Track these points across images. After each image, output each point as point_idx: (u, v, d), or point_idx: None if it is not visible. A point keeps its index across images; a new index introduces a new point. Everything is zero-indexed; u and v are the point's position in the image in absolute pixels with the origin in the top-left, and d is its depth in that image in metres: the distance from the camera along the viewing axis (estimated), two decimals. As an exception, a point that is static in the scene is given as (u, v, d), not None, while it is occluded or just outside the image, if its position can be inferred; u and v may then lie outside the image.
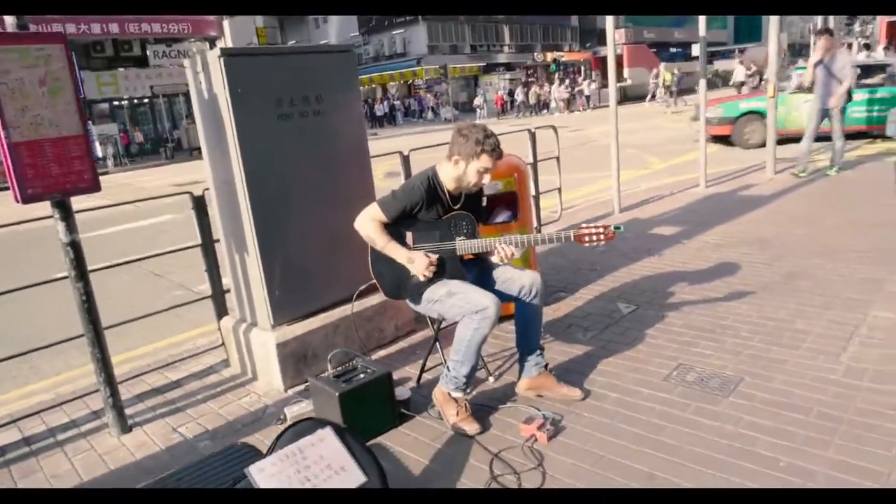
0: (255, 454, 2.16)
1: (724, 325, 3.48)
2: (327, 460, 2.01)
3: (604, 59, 42.72)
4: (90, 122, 23.60)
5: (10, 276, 5.99)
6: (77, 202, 2.75)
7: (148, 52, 26.25)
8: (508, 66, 41.15)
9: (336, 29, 41.50)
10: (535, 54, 42.38)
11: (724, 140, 11.36)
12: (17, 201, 2.59)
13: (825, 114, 7.48)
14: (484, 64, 39.95)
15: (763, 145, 10.02)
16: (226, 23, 29.73)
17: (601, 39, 42.18)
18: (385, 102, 34.18)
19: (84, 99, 23.73)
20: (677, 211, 6.49)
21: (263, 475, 1.88)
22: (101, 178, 2.77)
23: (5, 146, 2.48)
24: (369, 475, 2.03)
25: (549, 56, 41.79)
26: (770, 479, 2.15)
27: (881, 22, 24.28)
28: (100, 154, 22.13)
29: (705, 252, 4.93)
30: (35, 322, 4.81)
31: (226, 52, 2.89)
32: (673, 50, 45.84)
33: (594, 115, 26.29)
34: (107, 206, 3.70)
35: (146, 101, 27.13)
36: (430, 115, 34.37)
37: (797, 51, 40.67)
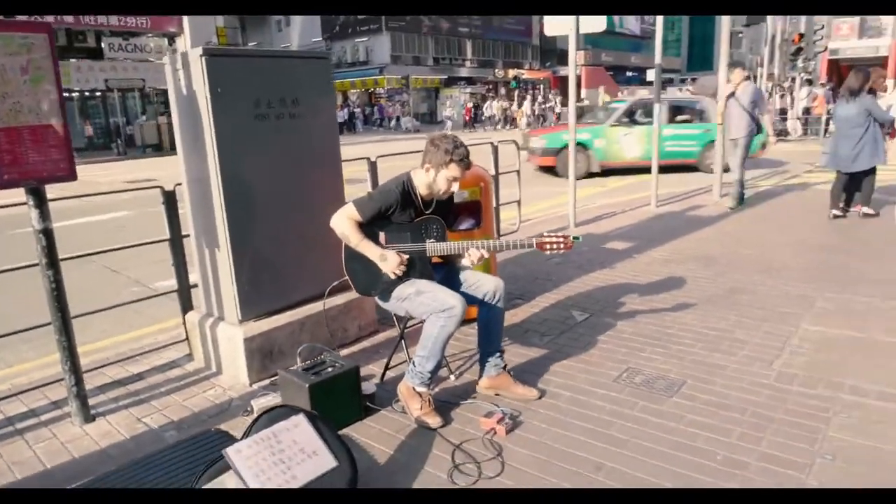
0: (229, 439, 2.24)
1: (670, 333, 3.72)
2: (300, 444, 2.12)
3: (563, 79, 43.84)
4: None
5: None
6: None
7: (103, 45, 25.54)
8: (470, 80, 41.66)
9: (298, 33, 41.25)
10: (496, 70, 43.05)
11: (550, 171, 11.70)
12: (-8, 187, 2.61)
13: (734, 146, 7.57)
14: (446, 77, 40.33)
15: (587, 176, 11.03)
16: (185, 20, 29.31)
17: (561, 59, 43.25)
18: (345, 109, 34.14)
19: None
20: (629, 227, 6.80)
21: (240, 456, 1.98)
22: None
23: (-16, 131, 2.50)
24: (340, 460, 2.15)
25: (510, 73, 42.56)
26: (708, 469, 2.36)
27: (822, 59, 25.73)
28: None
29: (654, 266, 5.21)
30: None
31: (208, 52, 2.97)
32: (629, 74, 47.34)
33: (552, 133, 26.81)
34: (66, 198, 3.64)
35: (98, 94, 26.35)
36: (392, 123, 34.49)
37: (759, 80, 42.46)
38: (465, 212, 3.93)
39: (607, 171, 11.61)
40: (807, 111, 18.18)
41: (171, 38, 28.71)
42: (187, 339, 3.70)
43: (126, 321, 4.43)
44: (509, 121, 32.44)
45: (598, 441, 2.59)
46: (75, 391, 2.93)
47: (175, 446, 2.24)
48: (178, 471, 2.04)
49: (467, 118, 32.77)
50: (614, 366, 3.31)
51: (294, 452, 2.09)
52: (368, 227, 2.81)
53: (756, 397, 2.91)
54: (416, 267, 2.82)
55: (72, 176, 2.78)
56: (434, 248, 2.81)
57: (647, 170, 8.17)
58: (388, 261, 2.73)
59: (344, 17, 38.16)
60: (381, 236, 2.83)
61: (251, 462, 1.98)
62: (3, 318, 3.71)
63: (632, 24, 51.44)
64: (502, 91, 40.82)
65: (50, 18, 22.65)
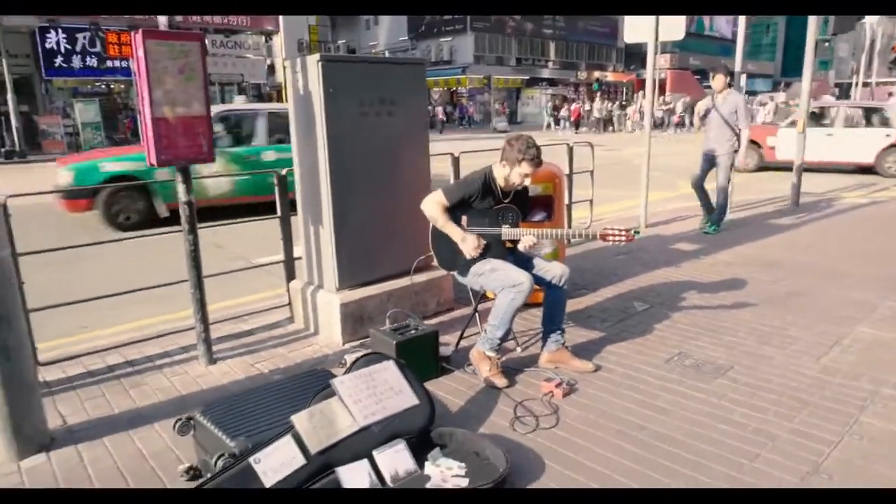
0: (333, 376, 2.73)
1: (725, 326, 3.98)
2: (390, 383, 2.59)
3: (644, 82, 42.86)
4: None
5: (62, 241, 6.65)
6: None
7: (207, 41, 27.29)
8: (552, 82, 41.65)
9: (386, 32, 42.49)
10: (579, 72, 42.81)
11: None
12: (152, 164, 3.23)
13: (711, 162, 6.73)
14: (527, 77, 40.51)
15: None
16: (280, 19, 30.92)
17: (645, 62, 42.42)
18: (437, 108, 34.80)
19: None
20: (698, 231, 6.96)
21: (343, 387, 2.47)
22: None
23: (149, 119, 3.12)
24: (421, 400, 2.60)
25: (594, 75, 42.20)
26: (739, 437, 2.67)
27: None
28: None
29: (718, 267, 5.41)
30: (112, 277, 5.51)
31: (324, 58, 3.50)
32: (720, 78, 45.86)
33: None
34: (203, 176, 4.32)
35: (201, 87, 28.16)
36: (466, 121, 34.94)
37: (845, 90, 40.36)
38: (538, 205, 4.32)
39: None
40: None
41: (268, 36, 30.45)
42: (290, 303, 4.28)
43: (230, 290, 5.07)
44: (608, 124, 32.00)
45: (643, 408, 2.94)
46: (203, 336, 3.54)
47: (290, 378, 2.77)
48: (294, 396, 2.54)
49: (574, 118, 32.42)
50: (667, 350, 3.62)
51: (385, 389, 2.56)
52: (453, 212, 3.26)
53: (797, 384, 3.16)
54: (492, 248, 3.25)
55: (210, 158, 3.38)
56: (508, 232, 3.23)
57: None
58: (468, 242, 3.18)
59: (430, 17, 38.98)
60: (464, 220, 3.27)
61: (351, 392, 2.46)
62: (115, 283, 4.40)
63: (722, 26, 49.81)
64: (584, 93, 40.51)
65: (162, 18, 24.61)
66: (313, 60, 3.54)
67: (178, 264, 3.60)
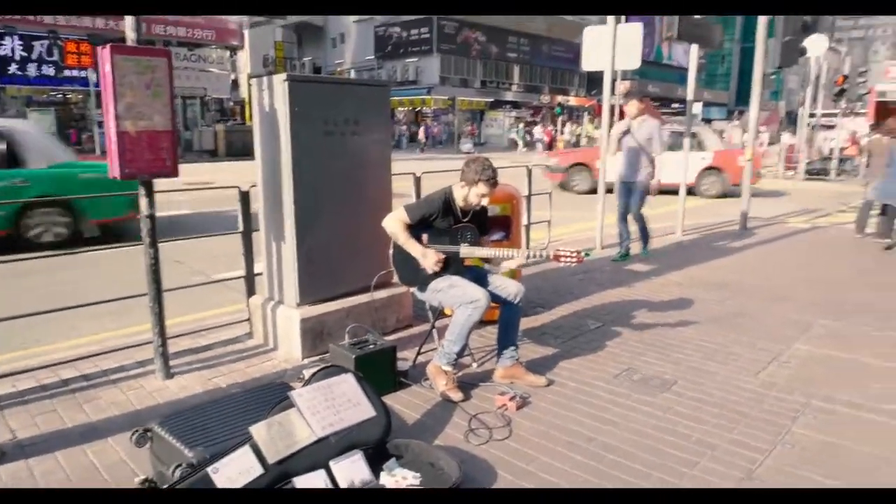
0: (291, 389, 2.78)
1: (671, 343, 4.17)
2: (347, 396, 2.66)
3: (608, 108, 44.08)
4: (101, 113, 24.35)
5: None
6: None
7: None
8: (515, 105, 42.38)
9: (352, 50, 42.71)
10: (542, 96, 43.66)
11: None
12: (114, 177, 3.25)
13: (629, 190, 6.51)
14: (492, 100, 41.13)
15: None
16: (246, 35, 30.86)
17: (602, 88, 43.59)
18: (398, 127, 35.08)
19: (101, 92, 24.54)
20: (652, 252, 7.21)
21: (302, 399, 2.52)
22: None
23: (114, 132, 3.15)
24: (378, 413, 2.68)
25: (556, 99, 43.08)
26: (682, 447, 2.81)
27: (870, 100, 25.50)
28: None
29: (668, 288, 5.63)
30: (75, 287, 5.43)
31: (290, 78, 3.59)
32: (676, 106, 47.41)
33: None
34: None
35: (162, 100, 27.79)
36: (439, 140, 35.31)
37: (793, 119, 42.13)
38: (497, 225, 4.46)
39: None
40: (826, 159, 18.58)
41: (233, 51, 30.28)
42: (249, 319, 4.29)
43: (189, 305, 5.05)
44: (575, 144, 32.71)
45: (593, 421, 3.07)
46: (161, 351, 3.54)
47: (249, 391, 2.81)
48: (253, 408, 2.58)
49: (548, 140, 32.93)
50: (617, 365, 3.77)
51: (343, 401, 2.62)
52: (414, 230, 3.36)
53: (737, 397, 3.34)
54: (451, 266, 3.35)
55: (174, 173, 3.41)
56: (467, 251, 3.35)
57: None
58: (428, 258, 3.28)
59: (396, 38, 39.38)
60: (424, 238, 3.38)
61: (309, 403, 2.52)
62: (95, 290, 4.36)
63: (680, 55, 51.54)
64: (547, 117, 41.34)
65: (130, 34, 24.24)
66: (279, 80, 3.62)
67: (136, 278, 3.61)
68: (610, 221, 7.94)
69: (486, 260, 3.43)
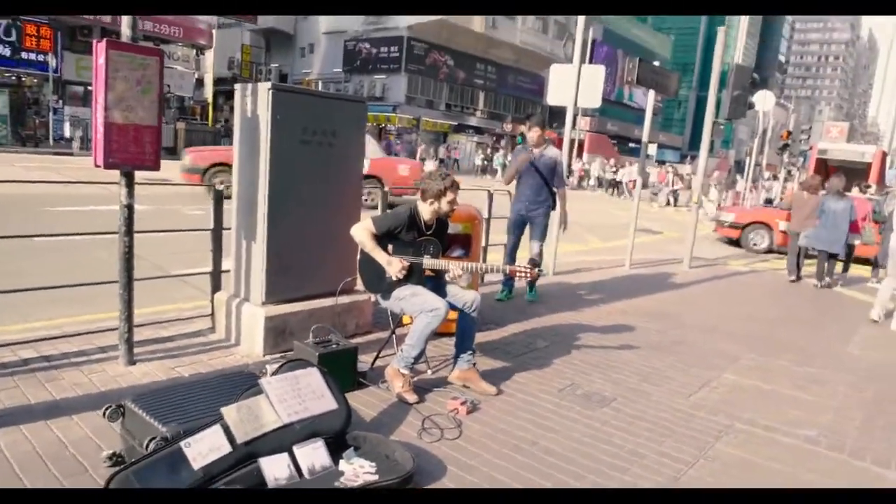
0: (257, 377, 2.94)
1: (613, 365, 4.47)
2: (312, 388, 2.83)
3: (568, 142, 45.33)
4: (59, 101, 23.76)
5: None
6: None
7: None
8: (478, 130, 43.13)
9: (321, 61, 42.76)
10: (504, 124, 44.59)
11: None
12: (98, 166, 3.36)
13: (522, 224, 6.08)
14: (456, 123, 41.77)
15: None
16: (214, 35, 30.65)
17: (563, 123, 44.94)
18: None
19: (59, 78, 23.94)
20: (601, 282, 7.59)
21: (270, 386, 2.69)
22: (65, 157, 3.54)
23: (102, 123, 3.27)
24: (339, 405, 2.86)
25: (519, 128, 44.03)
26: (615, 454, 3.08)
27: (812, 157, 27.14)
28: (67, 135, 22.17)
29: (614, 315, 5.98)
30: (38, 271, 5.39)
31: (275, 87, 3.78)
32: (632, 145, 49.10)
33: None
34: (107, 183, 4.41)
35: (122, 93, 27.22)
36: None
37: (740, 167, 44.17)
38: (457, 242, 4.71)
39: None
40: (769, 202, 19.65)
41: (200, 50, 30.02)
42: (212, 314, 4.40)
43: (148, 297, 5.09)
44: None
45: (537, 428, 3.31)
46: (126, 337, 3.63)
47: (220, 376, 2.95)
48: (223, 392, 2.71)
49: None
50: (561, 381, 4.04)
51: (308, 392, 2.79)
52: (380, 241, 3.57)
53: (669, 415, 3.65)
54: (414, 275, 3.57)
55: (156, 167, 3.55)
56: (428, 262, 3.58)
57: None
58: (393, 265, 3.49)
59: (366, 53, 39.68)
60: (390, 248, 3.59)
61: (277, 391, 2.68)
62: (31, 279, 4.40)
63: (640, 97, 53.52)
64: (508, 144, 42.18)
65: (126, 30, 23.80)
66: (264, 88, 3.80)
67: (93, 270, 3.70)
68: (564, 250, 8.29)
69: (445, 271, 3.66)
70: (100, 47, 3.22)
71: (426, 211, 3.62)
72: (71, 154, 20.25)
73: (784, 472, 3.09)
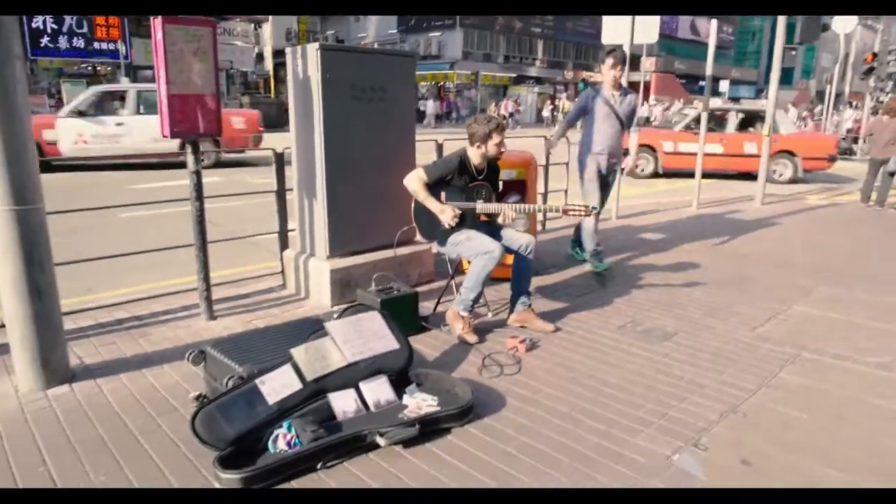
0: (323, 322, 3.13)
1: (677, 301, 4.44)
2: (374, 329, 3.00)
3: (632, 84, 43.66)
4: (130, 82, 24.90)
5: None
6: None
7: (196, 27, 27.35)
8: (538, 80, 42.14)
9: (375, 25, 42.64)
10: (566, 71, 43.33)
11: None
12: (165, 136, 3.59)
13: (603, 178, 5.19)
14: (515, 75, 40.95)
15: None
16: (271, 7, 31.10)
17: (632, 64, 43.21)
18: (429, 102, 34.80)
19: (130, 64, 25.02)
20: (666, 223, 7.44)
21: (335, 328, 2.86)
22: None
23: (165, 96, 3.48)
24: (401, 345, 3.01)
25: (580, 74, 42.76)
26: (672, 385, 3.11)
27: None
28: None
29: (680, 254, 5.88)
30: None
31: (323, 47, 3.88)
32: (702, 83, 46.76)
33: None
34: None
35: (189, 73, 28.24)
36: (461, 115, 35.21)
37: (822, 97, 41.35)
38: (512, 188, 4.74)
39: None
40: (849, 131, 18.41)
41: (258, 24, 30.55)
42: (282, 271, 4.65)
43: (224, 260, 5.42)
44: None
45: (594, 362, 3.38)
46: (205, 295, 3.91)
47: (288, 323, 3.16)
48: (292, 336, 2.91)
49: None
50: (622, 318, 4.07)
51: (370, 334, 2.96)
52: (433, 189, 3.66)
53: (732, 347, 3.62)
54: (467, 221, 3.66)
55: (219, 133, 3.76)
56: (482, 207, 3.64)
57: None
58: (445, 213, 3.58)
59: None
60: (442, 195, 3.68)
61: (341, 333, 2.86)
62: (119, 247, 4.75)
63: (708, 31, 50.68)
64: (571, 92, 41.08)
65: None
66: (313, 48, 3.91)
67: (172, 239, 4.00)
68: (632, 193, 8.15)
69: (497, 214, 3.72)
70: (156, 23, 3.40)
71: (475, 155, 3.68)
72: (147, 135, 21.22)
73: (849, 397, 3.03)
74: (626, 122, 5.12)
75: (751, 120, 12.34)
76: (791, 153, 11.95)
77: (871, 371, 3.36)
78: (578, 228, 5.40)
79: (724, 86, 44.53)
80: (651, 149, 12.41)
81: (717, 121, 12.26)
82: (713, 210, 8.55)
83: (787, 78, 58.21)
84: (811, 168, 12.14)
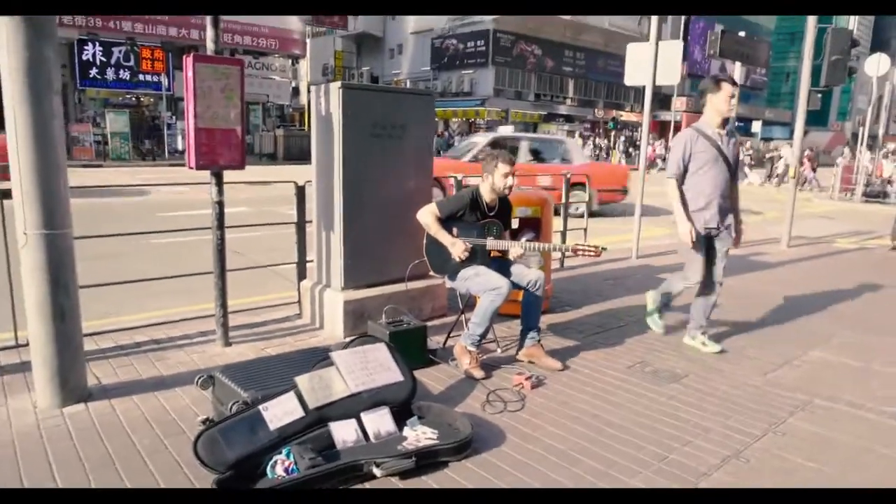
0: (329, 352, 3.20)
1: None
2: (380, 361, 3.06)
3: (662, 123, 43.81)
4: (173, 117, 25.80)
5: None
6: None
7: (236, 62, 28.36)
8: (569, 118, 42.45)
9: (409, 61, 43.66)
10: (596, 110, 43.60)
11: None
12: (191, 168, 3.76)
13: (709, 241, 4.31)
14: (545, 112, 41.33)
15: None
16: (308, 42, 32.14)
17: (662, 104, 43.39)
18: (445, 136, 35.37)
19: (172, 96, 25.97)
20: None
21: (340, 359, 2.93)
22: (179, 168, 3.86)
23: (192, 129, 3.66)
24: (405, 377, 3.06)
25: (610, 113, 42.95)
26: (676, 428, 3.09)
27: None
28: (181, 147, 24.05)
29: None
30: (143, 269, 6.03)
31: (345, 86, 4.04)
32: (736, 124, 46.51)
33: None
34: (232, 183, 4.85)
35: (227, 105, 29.21)
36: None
37: (857, 139, 40.81)
38: (528, 225, 4.80)
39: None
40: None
41: (295, 59, 31.52)
42: (299, 301, 4.76)
43: (245, 289, 5.57)
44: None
45: (600, 402, 3.37)
46: (222, 321, 4.02)
47: (296, 352, 3.24)
48: (298, 365, 2.99)
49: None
50: (631, 358, 4.05)
51: (375, 365, 3.02)
52: (445, 223, 3.75)
53: (741, 392, 3.58)
54: (478, 256, 3.72)
55: (242, 166, 3.91)
56: (492, 243, 3.71)
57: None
58: (456, 246, 3.66)
59: (453, 49, 40.09)
60: (454, 230, 3.76)
61: (346, 363, 2.93)
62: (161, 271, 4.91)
63: (741, 75, 50.62)
64: (601, 131, 41.26)
65: (195, 35, 25.64)
66: (335, 87, 4.07)
67: (198, 266, 4.14)
68: (653, 234, 8.13)
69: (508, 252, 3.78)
70: (188, 61, 3.60)
71: (486, 192, 3.76)
72: (184, 165, 21.92)
73: (856, 446, 2.98)
74: (734, 169, 4.17)
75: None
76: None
77: (884, 421, 3.29)
78: (668, 296, 4.64)
79: (756, 126, 44.30)
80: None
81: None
82: (737, 252, 8.43)
83: (822, 119, 57.74)
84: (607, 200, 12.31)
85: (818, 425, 3.20)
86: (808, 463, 2.80)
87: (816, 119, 53.10)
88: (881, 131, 19.85)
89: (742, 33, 8.39)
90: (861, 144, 18.54)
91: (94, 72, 24.21)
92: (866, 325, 5.05)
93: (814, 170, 23.10)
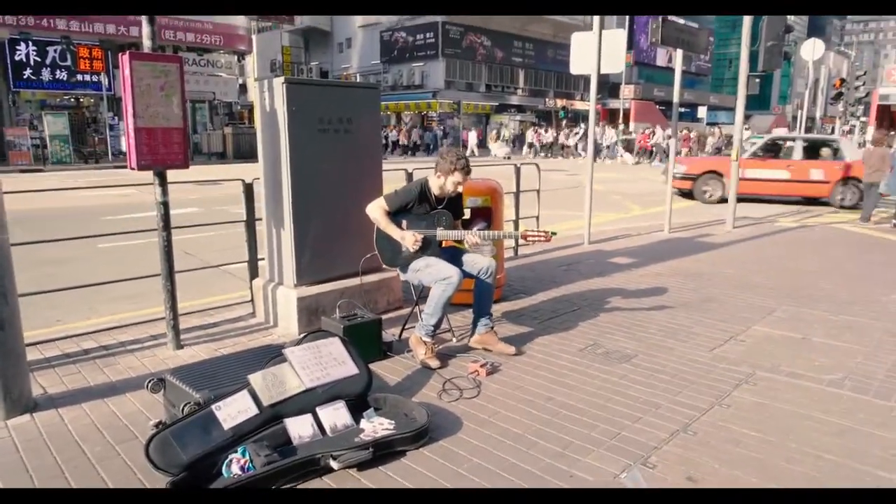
0: (282, 349, 3.18)
1: (639, 324, 4.53)
2: (334, 355, 3.06)
3: (612, 111, 44.58)
4: (115, 117, 24.96)
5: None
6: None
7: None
8: (520, 108, 42.79)
9: (358, 55, 43.24)
10: (547, 100, 44.06)
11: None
12: (132, 168, 3.67)
13: None
14: (496, 104, 41.56)
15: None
16: (254, 37, 31.48)
17: (612, 92, 44.16)
18: (395, 131, 35.11)
19: (113, 96, 25.11)
20: (637, 247, 7.58)
21: (294, 355, 2.92)
22: (123, 170, 3.81)
23: (132, 129, 3.57)
24: (360, 371, 3.07)
25: (560, 103, 43.46)
26: (627, 406, 3.18)
27: (873, 104, 25.71)
28: (124, 149, 23.27)
29: (646, 278, 6.00)
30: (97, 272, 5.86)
31: (288, 81, 4.00)
32: (682, 110, 47.66)
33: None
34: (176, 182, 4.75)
35: (172, 104, 28.40)
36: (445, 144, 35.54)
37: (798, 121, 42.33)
38: (479, 215, 4.85)
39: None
40: (718, 150, 19.27)
41: (241, 56, 30.83)
42: (252, 300, 4.70)
43: (197, 290, 5.46)
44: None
45: (553, 385, 3.45)
46: (172, 324, 3.95)
47: (248, 350, 3.21)
48: (251, 363, 2.96)
49: (640, 147, 29.54)
50: (584, 341, 4.15)
51: (329, 360, 3.02)
52: (394, 216, 3.76)
53: (689, 368, 3.71)
54: (429, 247, 3.74)
55: (185, 165, 3.83)
56: (442, 234, 3.74)
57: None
58: (407, 239, 3.67)
59: (402, 42, 39.90)
60: (404, 223, 3.77)
61: (300, 359, 2.92)
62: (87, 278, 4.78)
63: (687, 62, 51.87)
64: (552, 120, 41.68)
65: (134, 31, 24.82)
66: (278, 82, 4.03)
67: (150, 269, 4.05)
68: (605, 220, 8.29)
69: (459, 241, 3.81)
70: (124, 59, 3.50)
71: (436, 185, 3.78)
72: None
73: (796, 414, 3.12)
74: None
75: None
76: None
77: (823, 388, 3.45)
78: None
79: (702, 112, 45.51)
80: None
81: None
82: (684, 234, 8.72)
83: (765, 104, 59.72)
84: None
85: (761, 396, 3.34)
86: (752, 433, 2.93)
87: (759, 103, 54.91)
88: (818, 113, 20.70)
89: (683, 21, 8.58)
90: (800, 126, 19.27)
91: (28, 73, 23.18)
92: (804, 299, 5.29)
93: (690, 148, 24.93)
